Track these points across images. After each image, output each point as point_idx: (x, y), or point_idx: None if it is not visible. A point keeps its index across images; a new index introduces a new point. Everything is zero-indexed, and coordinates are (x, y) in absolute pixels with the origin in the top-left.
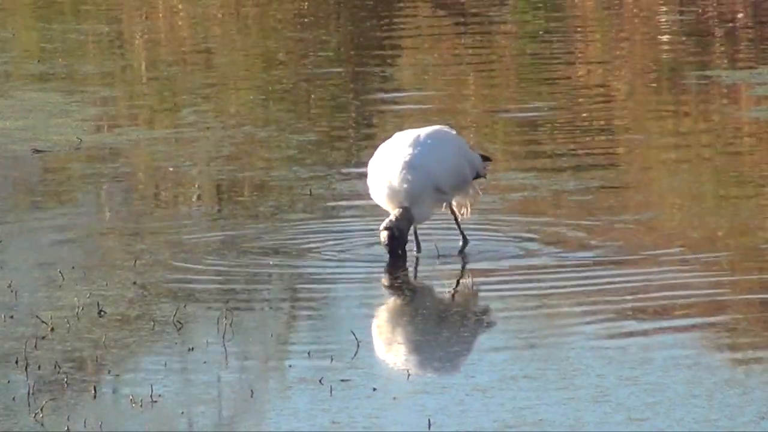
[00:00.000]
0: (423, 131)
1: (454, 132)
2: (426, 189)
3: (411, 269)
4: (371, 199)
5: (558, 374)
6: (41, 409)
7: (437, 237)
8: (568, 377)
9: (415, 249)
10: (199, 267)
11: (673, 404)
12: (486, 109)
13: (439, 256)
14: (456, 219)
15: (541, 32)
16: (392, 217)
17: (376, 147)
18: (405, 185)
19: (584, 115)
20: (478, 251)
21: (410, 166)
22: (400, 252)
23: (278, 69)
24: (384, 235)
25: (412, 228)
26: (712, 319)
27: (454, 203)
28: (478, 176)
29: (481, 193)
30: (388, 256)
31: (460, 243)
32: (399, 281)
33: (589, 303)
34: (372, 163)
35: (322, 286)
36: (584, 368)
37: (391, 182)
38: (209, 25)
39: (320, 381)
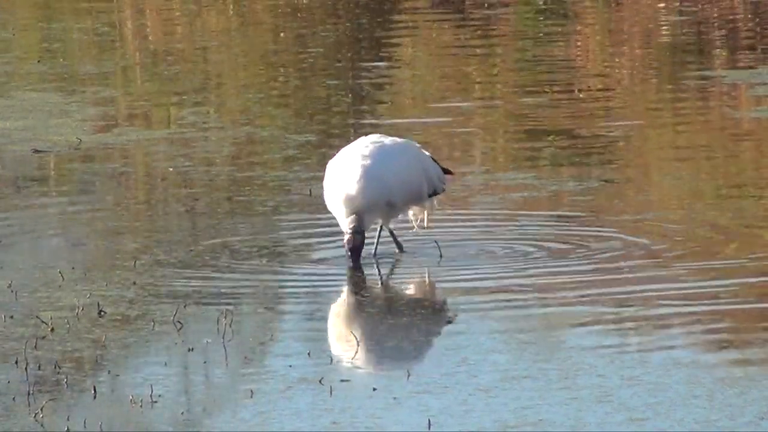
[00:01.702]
0: (388, 141)
1: (418, 146)
2: (379, 201)
3: (410, 270)
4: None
5: (560, 374)
6: (41, 409)
7: (438, 237)
8: (571, 377)
9: (396, 249)
10: (199, 267)
11: (673, 404)
12: (485, 109)
13: (441, 256)
14: (382, 232)
15: (540, 32)
16: (354, 223)
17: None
18: (360, 195)
19: (584, 115)
20: (479, 252)
21: (368, 175)
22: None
23: (277, 68)
24: (352, 240)
25: (384, 230)
26: (712, 319)
27: (410, 214)
28: (435, 192)
29: (437, 205)
30: (350, 258)
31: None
32: (398, 281)
33: (591, 303)
34: (331, 166)
35: (321, 286)
36: (587, 368)
37: (348, 189)
38: (208, 25)
39: (320, 381)
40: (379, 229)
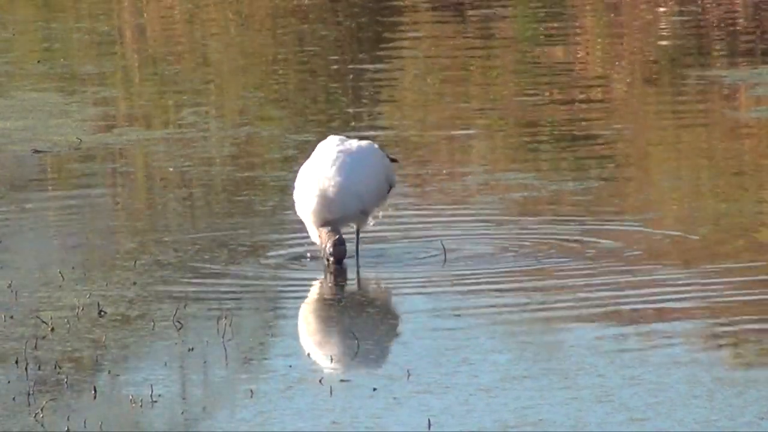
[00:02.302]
0: (354, 147)
1: (377, 148)
2: (355, 212)
3: (411, 269)
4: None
5: (561, 374)
6: (41, 409)
7: (439, 237)
8: (571, 377)
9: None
10: (199, 267)
11: (674, 404)
12: (485, 108)
13: (445, 258)
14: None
15: (540, 32)
16: (336, 235)
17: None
18: (338, 210)
19: (584, 115)
20: (479, 252)
21: (344, 191)
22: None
23: (277, 68)
24: (338, 252)
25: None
26: (712, 319)
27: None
28: (391, 187)
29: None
30: (334, 266)
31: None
32: (398, 282)
33: (591, 303)
34: (303, 179)
35: (321, 286)
36: (588, 368)
37: (325, 204)
38: (208, 25)
39: (320, 381)
40: (356, 232)
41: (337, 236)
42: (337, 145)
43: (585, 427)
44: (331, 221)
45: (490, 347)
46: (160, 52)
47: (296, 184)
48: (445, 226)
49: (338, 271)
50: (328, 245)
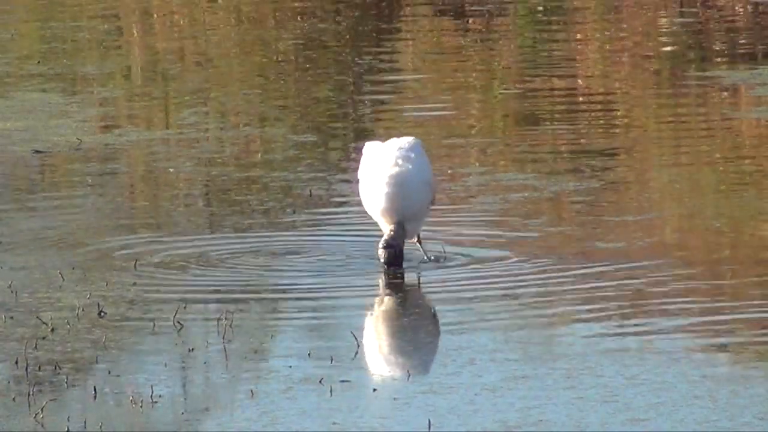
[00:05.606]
0: (408, 142)
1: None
2: (426, 200)
3: (411, 270)
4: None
5: (565, 374)
6: (41, 410)
7: (440, 238)
8: (575, 377)
9: (425, 257)
10: (199, 268)
11: (675, 404)
12: (486, 108)
13: (445, 257)
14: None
15: (540, 32)
16: (390, 235)
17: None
18: (409, 201)
19: (584, 115)
20: (480, 252)
21: (422, 181)
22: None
23: (278, 67)
24: (386, 253)
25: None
26: (714, 319)
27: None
28: None
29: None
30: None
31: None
32: (400, 283)
33: (594, 303)
34: (368, 172)
35: (321, 287)
36: (592, 367)
37: (400, 196)
38: (208, 25)
39: (320, 382)
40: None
41: (390, 233)
42: (391, 144)
43: (587, 427)
44: (404, 216)
45: (493, 348)
46: (161, 52)
47: (361, 189)
48: (447, 226)
49: (389, 273)
50: (380, 243)
